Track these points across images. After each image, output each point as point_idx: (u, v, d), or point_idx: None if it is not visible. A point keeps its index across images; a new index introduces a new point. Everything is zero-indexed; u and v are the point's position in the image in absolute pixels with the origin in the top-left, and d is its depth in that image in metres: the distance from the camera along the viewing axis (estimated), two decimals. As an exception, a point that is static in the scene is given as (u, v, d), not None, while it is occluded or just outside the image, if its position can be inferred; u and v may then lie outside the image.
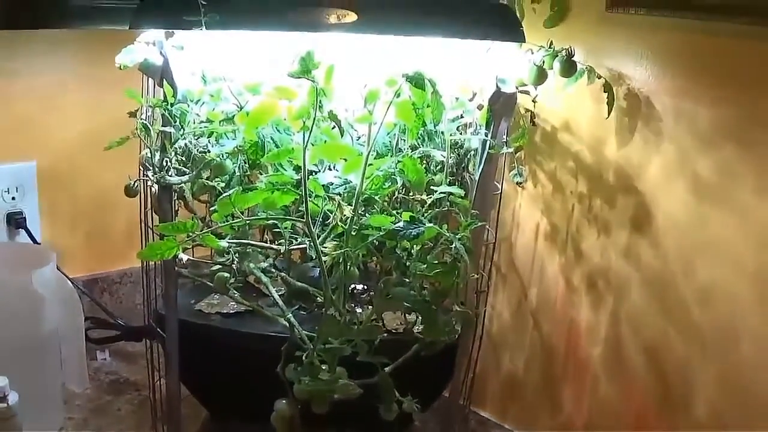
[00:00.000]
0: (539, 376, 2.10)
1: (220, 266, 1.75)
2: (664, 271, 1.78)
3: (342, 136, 1.51)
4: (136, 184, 1.75)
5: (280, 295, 1.73)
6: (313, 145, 1.50)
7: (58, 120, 2.28)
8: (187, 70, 1.67)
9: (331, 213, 1.56)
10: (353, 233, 1.54)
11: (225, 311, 1.86)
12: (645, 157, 1.78)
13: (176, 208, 1.77)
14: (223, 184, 1.70)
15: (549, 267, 2.03)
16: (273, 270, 1.80)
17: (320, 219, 1.58)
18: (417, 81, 1.46)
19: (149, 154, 1.64)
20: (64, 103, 2.28)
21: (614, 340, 1.89)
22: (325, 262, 1.55)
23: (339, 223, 1.53)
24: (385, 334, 1.71)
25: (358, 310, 1.81)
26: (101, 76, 2.10)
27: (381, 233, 1.52)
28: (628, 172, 1.82)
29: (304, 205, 1.48)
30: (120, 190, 1.77)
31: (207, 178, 1.70)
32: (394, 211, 1.62)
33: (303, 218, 1.52)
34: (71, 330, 2.01)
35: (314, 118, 1.43)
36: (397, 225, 1.50)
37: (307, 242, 1.58)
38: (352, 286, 1.82)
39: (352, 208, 1.52)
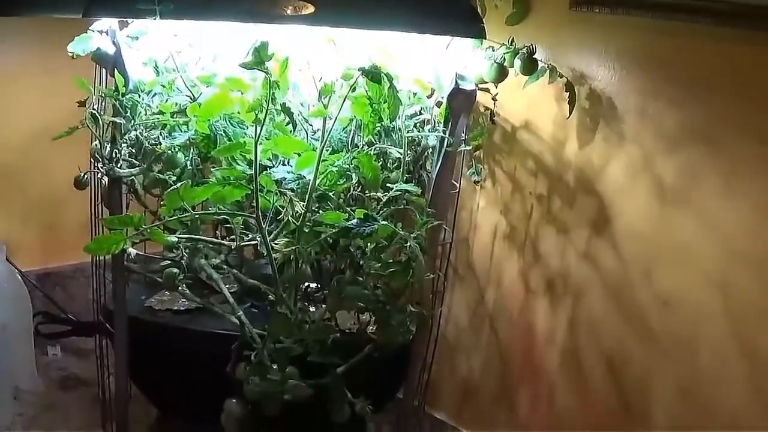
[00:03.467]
0: (495, 379, 2.05)
1: (170, 262, 1.68)
2: (623, 275, 1.73)
3: (295, 129, 1.45)
4: (85, 176, 1.68)
5: (232, 293, 1.68)
6: (266, 139, 1.44)
7: (9, 111, 2.22)
8: (140, 60, 1.61)
9: (283, 209, 1.49)
10: (305, 230, 1.48)
11: (175, 308, 1.80)
12: (606, 158, 1.73)
13: (128, 202, 1.72)
14: (174, 178, 1.64)
15: (507, 269, 1.98)
16: (224, 267, 1.74)
17: (271, 215, 1.51)
18: (373, 75, 1.40)
19: (99, 146, 1.57)
20: (16, 94, 2.22)
21: (572, 345, 1.84)
22: (276, 259, 1.49)
23: (291, 220, 1.47)
24: (338, 334, 1.65)
25: (311, 309, 1.76)
26: (54, 66, 2.03)
27: (334, 230, 1.46)
28: (589, 173, 1.77)
29: (255, 200, 1.42)
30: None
31: (158, 171, 1.64)
32: (349, 209, 1.56)
33: (254, 214, 1.46)
34: (20, 325, 1.95)
35: (267, 111, 1.37)
36: (350, 222, 1.44)
37: (258, 239, 1.52)
38: (305, 284, 1.77)
39: (305, 204, 1.46)
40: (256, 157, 1.39)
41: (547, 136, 1.85)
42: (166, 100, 1.60)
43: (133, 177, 1.62)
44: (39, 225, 2.34)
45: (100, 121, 1.53)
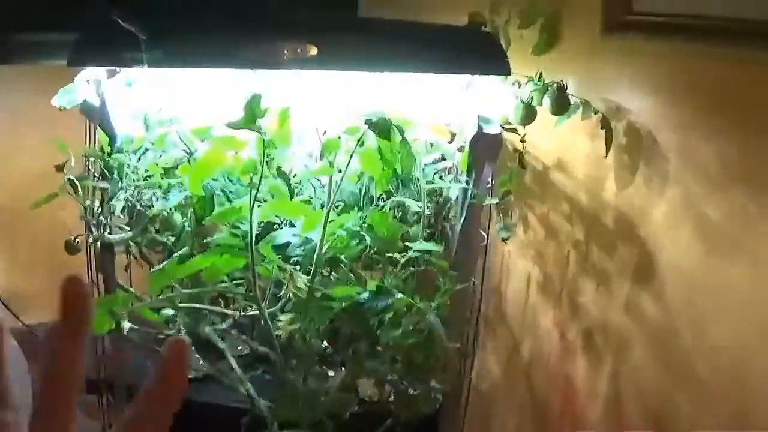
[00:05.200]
0: (533, 437, 1.81)
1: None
2: (669, 327, 1.48)
3: (292, 195, 1.22)
4: (77, 241, 1.47)
5: (245, 355, 1.47)
6: (263, 202, 1.22)
7: (11, 160, 2.01)
8: (129, 113, 1.40)
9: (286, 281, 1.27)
10: (312, 304, 1.25)
11: (184, 375, 1.58)
12: (648, 199, 1.48)
13: (128, 261, 1.51)
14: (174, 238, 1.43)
15: (542, 320, 1.74)
16: (233, 332, 1.53)
17: (271, 286, 1.29)
18: (381, 128, 1.17)
19: (85, 211, 1.36)
20: (18, 142, 2.01)
21: (614, 401, 1.60)
22: (279, 335, 1.27)
23: (291, 296, 1.24)
24: (357, 407, 1.42)
25: (331, 373, 1.54)
26: (56, 113, 1.82)
27: (343, 305, 1.24)
28: (629, 216, 1.52)
29: (252, 275, 1.20)
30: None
31: (157, 232, 1.43)
32: (363, 272, 1.33)
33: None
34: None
35: (261, 174, 1.15)
36: (362, 296, 1.22)
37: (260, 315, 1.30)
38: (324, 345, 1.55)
39: (311, 274, 1.24)
40: (251, 227, 1.17)
41: (582, 177, 1.61)
42: (160, 156, 1.40)
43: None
44: (42, 278, 2.14)
45: (80, 186, 1.31)
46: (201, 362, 1.57)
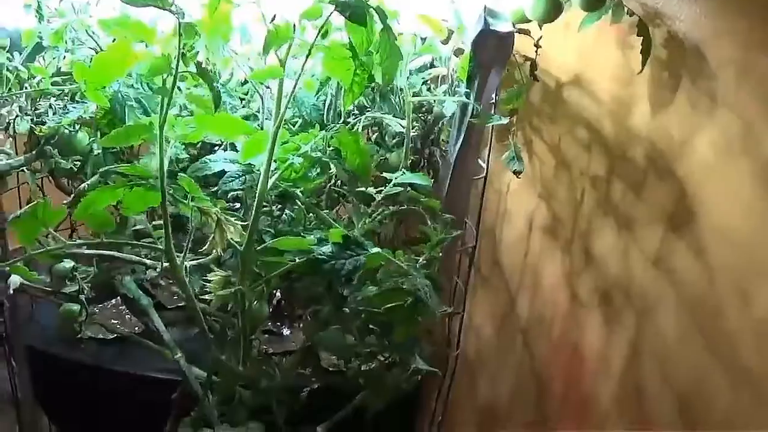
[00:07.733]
0: (529, 410, 1.40)
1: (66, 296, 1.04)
2: (709, 292, 1.07)
3: (218, 104, 0.78)
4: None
5: (179, 307, 1.07)
6: (181, 116, 0.79)
7: None
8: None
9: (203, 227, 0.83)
10: (252, 262, 0.83)
11: (101, 336, 1.16)
12: (691, 128, 1.07)
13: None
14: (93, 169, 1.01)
15: (547, 271, 1.32)
16: (162, 282, 1.11)
17: (192, 232, 0.85)
18: (354, 10, 0.74)
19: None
20: None
21: (632, 377, 1.20)
22: (211, 300, 0.85)
23: (218, 251, 0.81)
24: (315, 385, 1.01)
25: (286, 332, 1.13)
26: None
27: (294, 263, 0.81)
28: (665, 150, 1.11)
29: (163, 217, 0.77)
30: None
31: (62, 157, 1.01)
32: (326, 212, 0.91)
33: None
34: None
35: (176, 76, 0.72)
36: (321, 251, 0.79)
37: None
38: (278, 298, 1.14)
39: (251, 219, 0.81)
40: (160, 150, 0.74)
41: (606, 97, 1.18)
42: (65, 57, 0.97)
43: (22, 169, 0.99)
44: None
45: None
46: (112, 321, 1.16)
